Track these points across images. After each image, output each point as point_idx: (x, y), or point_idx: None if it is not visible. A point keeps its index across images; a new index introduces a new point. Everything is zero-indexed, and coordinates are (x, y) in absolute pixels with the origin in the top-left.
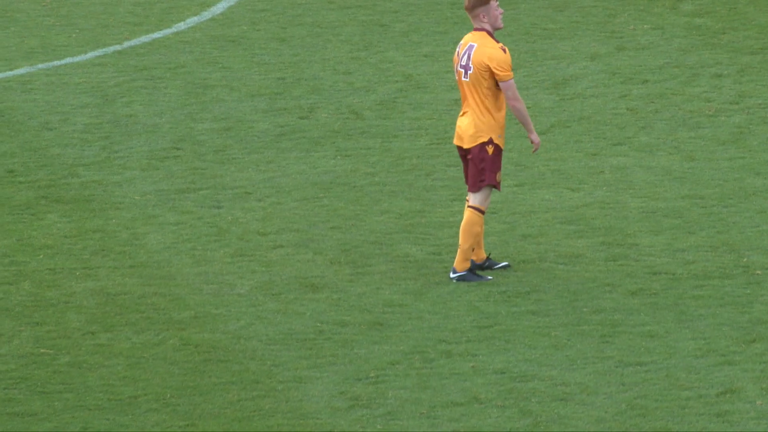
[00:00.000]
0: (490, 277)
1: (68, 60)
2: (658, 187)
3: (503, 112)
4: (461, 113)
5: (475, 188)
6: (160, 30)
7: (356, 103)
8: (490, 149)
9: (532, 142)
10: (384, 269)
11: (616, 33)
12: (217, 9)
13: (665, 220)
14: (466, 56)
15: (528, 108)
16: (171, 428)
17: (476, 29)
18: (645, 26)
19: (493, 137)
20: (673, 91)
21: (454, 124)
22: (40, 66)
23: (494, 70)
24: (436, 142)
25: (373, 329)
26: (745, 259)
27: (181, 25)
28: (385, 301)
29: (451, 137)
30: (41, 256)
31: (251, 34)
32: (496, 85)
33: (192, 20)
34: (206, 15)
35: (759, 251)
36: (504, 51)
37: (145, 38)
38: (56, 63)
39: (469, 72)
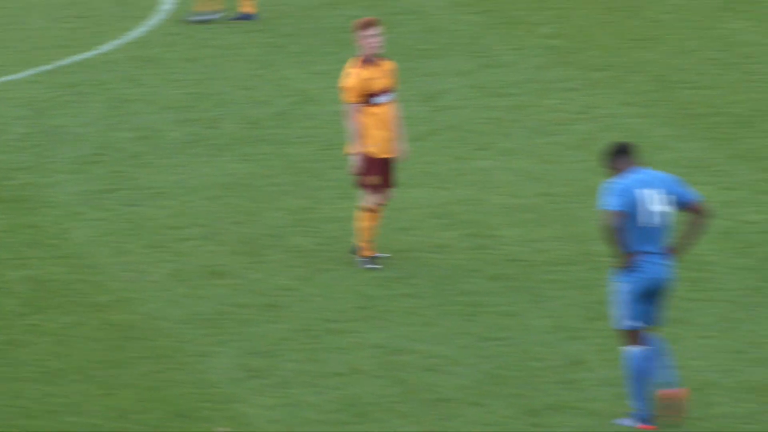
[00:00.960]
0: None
1: (5, 78)
2: (516, 186)
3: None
4: None
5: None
6: (86, 51)
7: (256, 114)
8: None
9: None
10: (278, 258)
11: (482, 53)
12: (135, 33)
13: (522, 214)
14: None
15: (403, 118)
16: (92, 397)
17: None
18: (507, 47)
19: (367, 147)
20: (531, 103)
21: (341, 133)
22: None
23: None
24: (325, 148)
25: (268, 310)
26: (589, 248)
27: (104, 47)
28: (279, 286)
29: (339, 145)
30: None
31: (165, 55)
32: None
33: (113, 42)
34: (125, 38)
35: (601, 241)
36: (348, 75)
37: (73, 58)
38: None
39: None
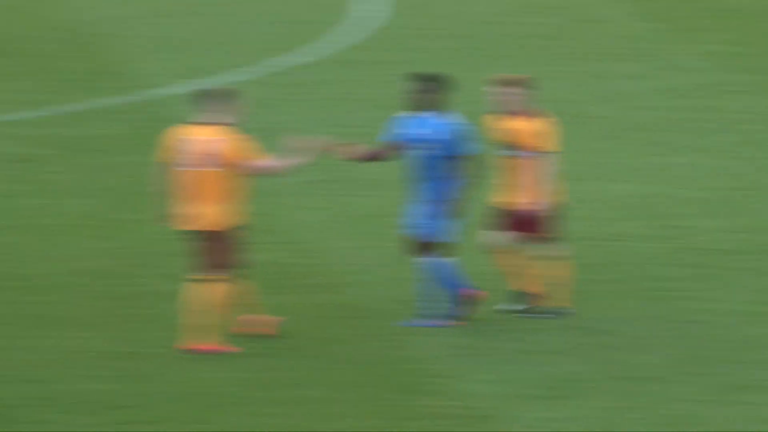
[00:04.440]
0: None
1: (220, 77)
2: (703, 181)
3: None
4: None
5: None
6: (292, 54)
7: None
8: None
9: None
10: None
11: (664, 58)
12: (349, 37)
13: (710, 206)
14: None
15: (596, 119)
16: (318, 370)
17: None
18: (688, 52)
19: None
20: (712, 104)
21: None
22: (200, 82)
23: None
24: None
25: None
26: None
27: (309, 50)
28: (483, 272)
29: None
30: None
31: (362, 58)
32: None
33: (317, 46)
34: (339, 42)
35: None
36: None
37: (279, 60)
38: (212, 80)
39: None
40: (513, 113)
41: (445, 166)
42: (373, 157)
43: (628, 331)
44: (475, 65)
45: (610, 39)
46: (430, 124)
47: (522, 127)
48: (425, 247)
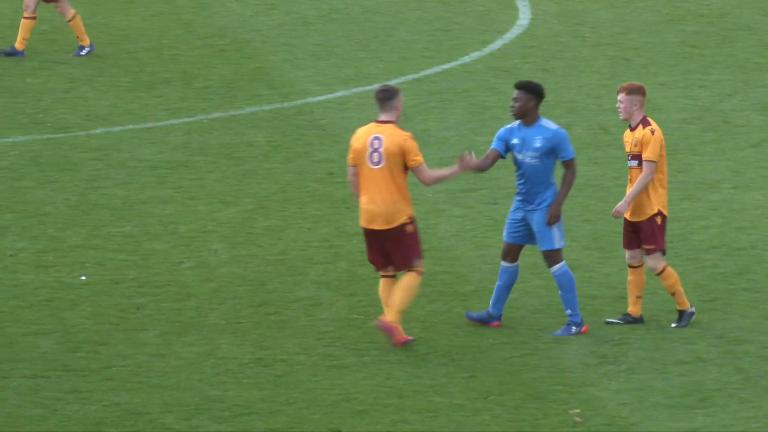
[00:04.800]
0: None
1: (376, 85)
2: None
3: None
4: None
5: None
6: (449, 62)
7: (605, 121)
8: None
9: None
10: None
11: None
12: (495, 45)
13: None
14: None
15: (741, 126)
16: (457, 379)
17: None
18: None
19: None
20: None
21: (686, 139)
22: (353, 90)
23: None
24: (669, 153)
25: (617, 302)
26: None
27: (466, 59)
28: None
29: (682, 150)
30: (354, 241)
31: (521, 66)
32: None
33: (474, 54)
34: (486, 50)
35: None
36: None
37: (437, 68)
38: (366, 87)
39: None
40: (627, 122)
41: (544, 174)
42: (479, 168)
43: (763, 339)
44: (627, 74)
45: (761, 48)
46: (527, 132)
47: (626, 136)
48: (548, 255)
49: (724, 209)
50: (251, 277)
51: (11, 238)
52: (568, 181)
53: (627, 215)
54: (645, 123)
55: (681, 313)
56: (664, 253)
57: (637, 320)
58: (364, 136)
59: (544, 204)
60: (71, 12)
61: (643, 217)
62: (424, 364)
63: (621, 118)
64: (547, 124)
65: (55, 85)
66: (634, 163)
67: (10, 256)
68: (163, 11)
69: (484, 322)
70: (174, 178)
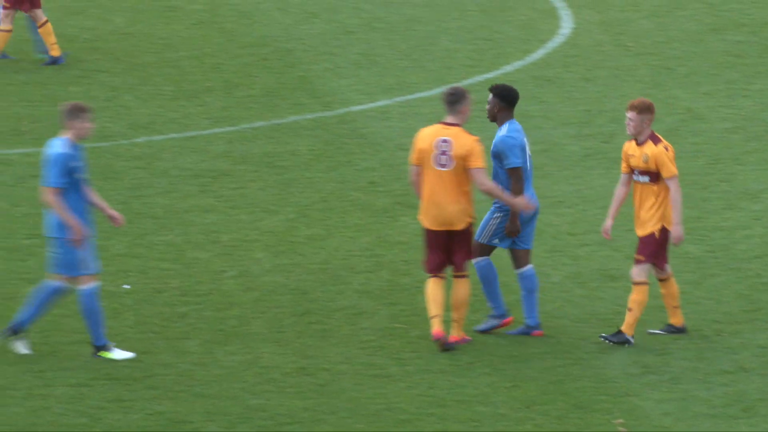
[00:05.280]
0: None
1: (418, 94)
2: None
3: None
4: None
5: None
6: (492, 71)
7: None
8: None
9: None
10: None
11: None
12: (537, 55)
13: None
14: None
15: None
16: (500, 389)
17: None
18: None
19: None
20: None
21: (728, 148)
22: (395, 99)
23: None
24: (712, 162)
25: (660, 312)
26: None
27: (508, 68)
28: None
29: (725, 160)
30: (396, 250)
31: (563, 75)
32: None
33: (516, 63)
34: (528, 59)
35: None
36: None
37: (479, 78)
38: (408, 97)
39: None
40: (633, 138)
41: (497, 177)
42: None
43: None
44: (669, 84)
45: None
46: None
47: (631, 149)
48: (514, 256)
49: (766, 219)
50: (293, 286)
51: None
52: (512, 190)
53: (637, 230)
54: (656, 140)
55: (620, 332)
56: (660, 267)
57: (680, 330)
58: (430, 137)
59: (496, 206)
60: (43, 19)
61: (646, 232)
62: (467, 373)
63: (629, 133)
64: (505, 129)
65: (98, 93)
66: (645, 179)
67: None
68: (205, 20)
69: (494, 327)
70: (216, 187)
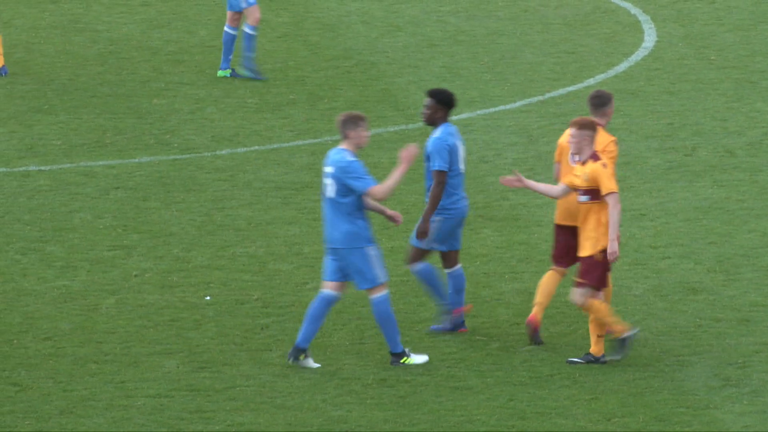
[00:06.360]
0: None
1: (501, 107)
2: None
3: None
4: None
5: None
6: (575, 84)
7: (730, 143)
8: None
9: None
10: (751, 276)
11: None
12: (620, 68)
13: None
14: None
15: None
16: (580, 401)
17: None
18: None
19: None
20: None
21: None
22: (478, 112)
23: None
24: None
25: (741, 324)
26: None
27: (591, 81)
28: (752, 302)
29: None
30: (478, 263)
31: (646, 88)
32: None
33: (600, 77)
34: (611, 72)
35: None
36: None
37: (562, 90)
38: (491, 110)
39: None
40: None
41: (430, 180)
42: None
43: None
44: (752, 97)
45: None
46: (431, 139)
47: (576, 170)
48: (445, 257)
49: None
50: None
51: (137, 258)
52: (432, 194)
53: (578, 251)
54: (595, 158)
55: (618, 340)
56: (598, 289)
57: (598, 360)
58: (568, 134)
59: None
60: None
61: (586, 253)
62: (547, 385)
63: (571, 152)
64: (438, 132)
65: (182, 106)
66: (586, 198)
67: (136, 276)
68: (289, 33)
69: (452, 330)
70: (299, 199)
